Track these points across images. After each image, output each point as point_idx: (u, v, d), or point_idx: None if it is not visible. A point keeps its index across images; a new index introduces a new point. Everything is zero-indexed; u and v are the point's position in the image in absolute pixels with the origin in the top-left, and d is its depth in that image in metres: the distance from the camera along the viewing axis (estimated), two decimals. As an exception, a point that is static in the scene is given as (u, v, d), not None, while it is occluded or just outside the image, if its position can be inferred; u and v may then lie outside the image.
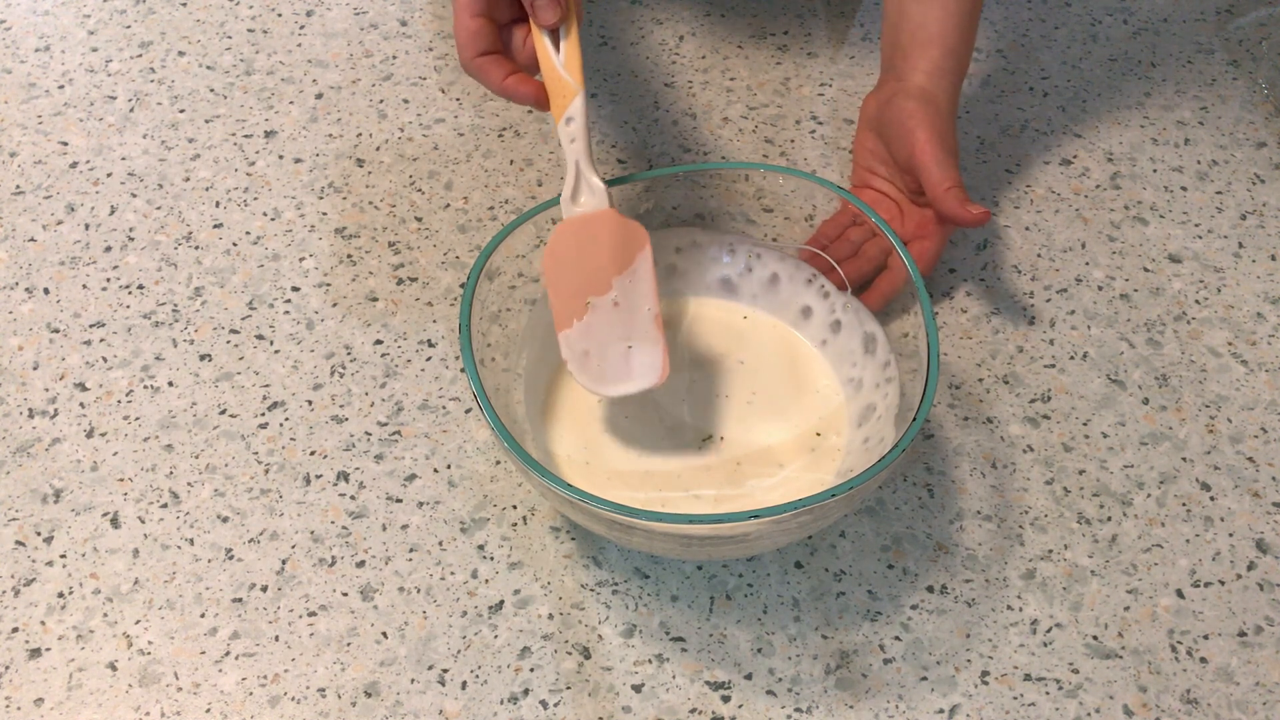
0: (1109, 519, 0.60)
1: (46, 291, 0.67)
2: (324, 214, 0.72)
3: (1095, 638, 0.56)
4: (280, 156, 0.75)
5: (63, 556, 0.57)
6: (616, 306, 0.57)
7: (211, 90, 0.79)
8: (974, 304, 0.69)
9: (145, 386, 0.63)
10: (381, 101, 0.79)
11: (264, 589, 0.56)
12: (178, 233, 0.71)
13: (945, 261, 0.71)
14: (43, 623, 0.55)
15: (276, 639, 0.54)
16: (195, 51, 0.82)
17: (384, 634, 0.55)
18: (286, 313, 0.67)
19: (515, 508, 0.59)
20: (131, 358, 0.65)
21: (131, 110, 0.78)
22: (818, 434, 0.59)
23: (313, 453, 0.61)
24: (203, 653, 0.54)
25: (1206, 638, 0.56)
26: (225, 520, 0.58)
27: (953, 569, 0.58)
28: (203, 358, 0.65)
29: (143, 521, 0.58)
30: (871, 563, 0.58)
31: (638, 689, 0.53)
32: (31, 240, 0.70)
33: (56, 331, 0.66)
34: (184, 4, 0.85)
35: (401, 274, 0.69)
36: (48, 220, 0.71)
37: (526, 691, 0.53)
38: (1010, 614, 0.56)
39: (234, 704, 0.52)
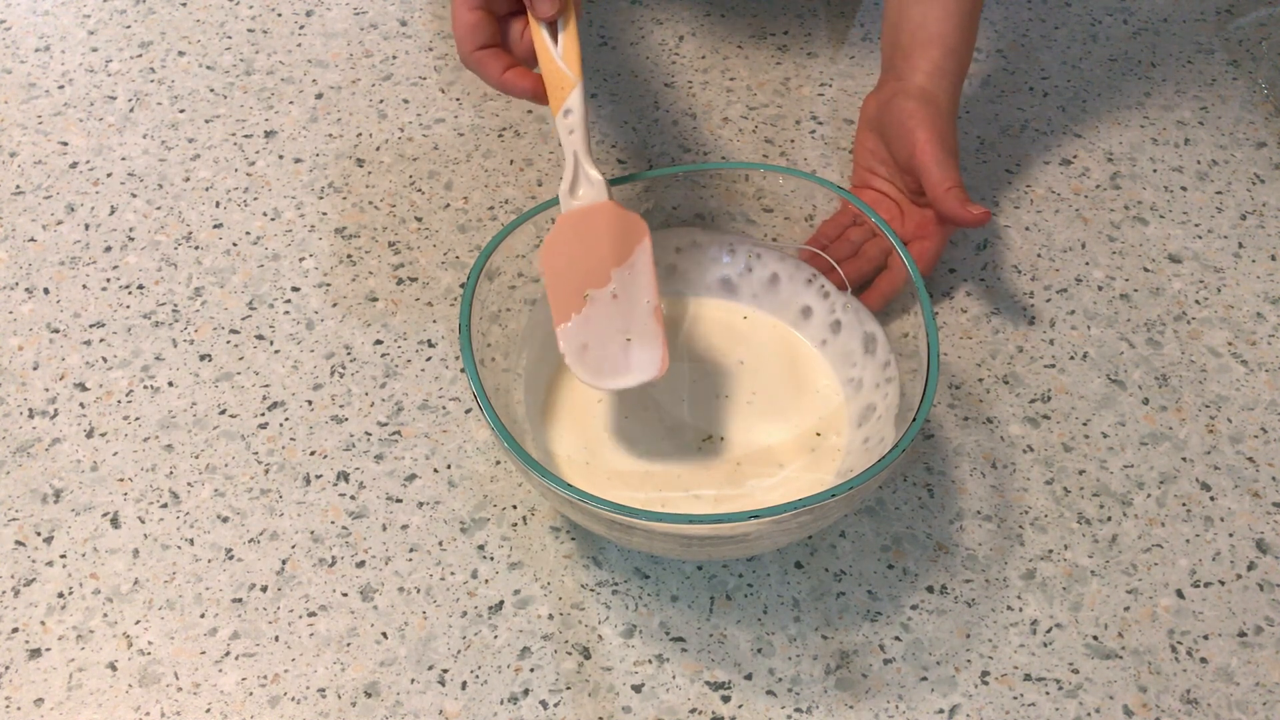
0: (1109, 519, 0.60)
1: (46, 291, 0.67)
2: (324, 214, 0.72)
3: (1095, 638, 0.56)
4: (280, 156, 0.75)
5: (63, 556, 0.57)
6: (615, 299, 0.56)
7: (211, 90, 0.79)
8: (974, 304, 0.69)
9: (145, 386, 0.63)
10: (381, 101, 0.79)
11: (264, 589, 0.56)
12: (178, 233, 0.71)
13: (945, 261, 0.71)
14: (43, 623, 0.55)
15: (276, 639, 0.54)
16: (195, 51, 0.82)
17: (384, 634, 0.55)
18: (286, 313, 0.67)
19: (515, 508, 0.59)
20: (131, 358, 0.65)
21: (131, 110, 0.78)
22: (818, 434, 0.59)
23: (313, 453, 0.61)
24: (203, 653, 0.54)
25: (1206, 638, 0.56)
26: (225, 520, 0.58)
27: (953, 569, 0.58)
28: (203, 358, 0.65)
29: (143, 521, 0.58)
30: (871, 563, 0.58)
31: (638, 689, 0.53)
32: (31, 240, 0.70)
33: (56, 331, 0.66)
34: (184, 4, 0.85)
35: (401, 274, 0.69)
36: (48, 220, 0.71)
37: (526, 691, 0.53)
38: (1010, 614, 0.56)
39: (234, 704, 0.52)
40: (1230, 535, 0.59)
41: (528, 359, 0.60)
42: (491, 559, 0.57)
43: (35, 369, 0.64)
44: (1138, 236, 0.73)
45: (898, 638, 0.55)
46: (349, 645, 0.54)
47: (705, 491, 0.57)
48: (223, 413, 0.62)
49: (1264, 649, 0.56)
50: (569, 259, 0.57)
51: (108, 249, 0.70)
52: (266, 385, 0.64)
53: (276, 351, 0.65)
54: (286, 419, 0.62)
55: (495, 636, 0.55)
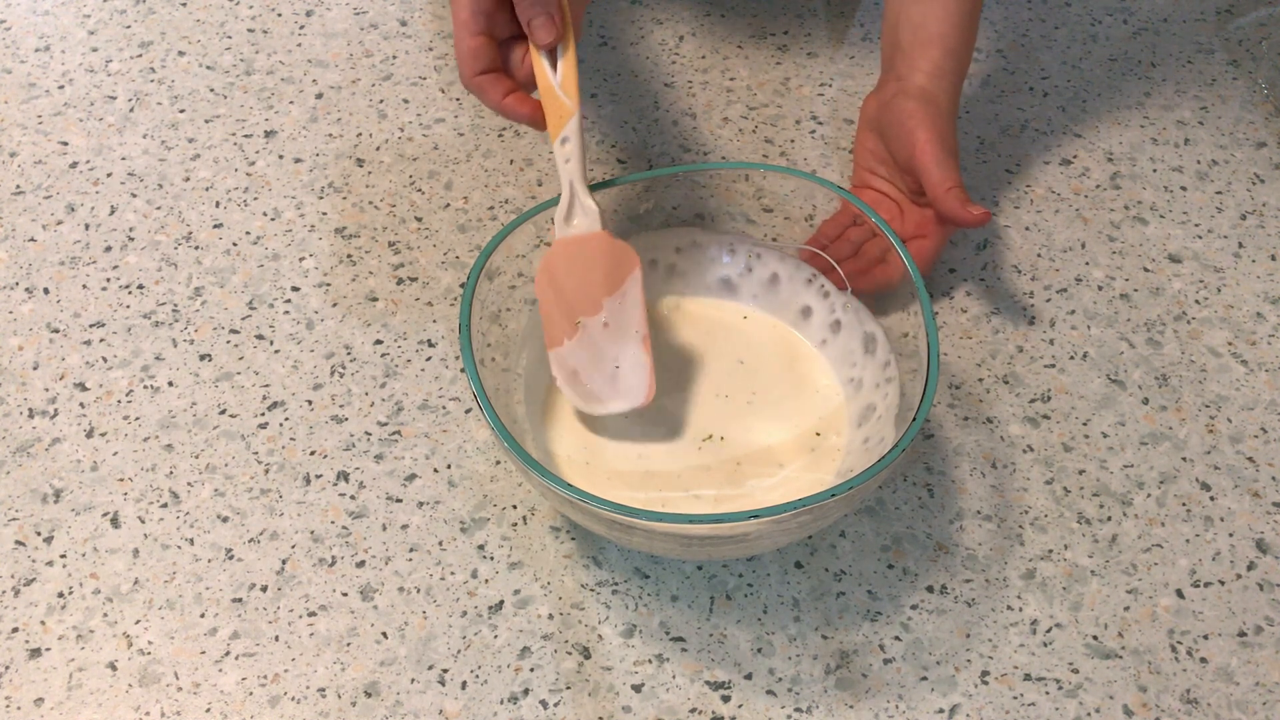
0: (1109, 519, 0.60)
1: (46, 291, 0.67)
2: (324, 214, 0.72)
3: (1095, 638, 0.56)
4: (280, 156, 0.75)
5: (63, 556, 0.57)
6: (606, 328, 0.58)
7: (211, 90, 0.79)
8: (974, 304, 0.69)
9: (145, 386, 0.63)
10: (381, 101, 0.79)
11: (264, 589, 0.56)
12: (178, 233, 0.71)
13: (945, 261, 0.71)
14: (43, 623, 0.55)
15: (276, 639, 0.54)
16: (195, 51, 0.82)
17: (384, 634, 0.55)
18: (286, 313, 0.67)
19: (515, 508, 0.59)
20: (131, 358, 0.65)
21: (131, 110, 0.78)
22: (818, 434, 0.59)
23: (313, 453, 0.61)
24: (203, 653, 0.54)
25: (1206, 638, 0.56)
26: (225, 520, 0.58)
27: (953, 569, 0.58)
28: (203, 358, 0.65)
29: (143, 521, 0.58)
30: (871, 563, 0.58)
31: (638, 689, 0.53)
32: (31, 240, 0.70)
33: (56, 331, 0.66)
34: (184, 4, 0.85)
35: (401, 274, 0.69)
36: (48, 220, 0.71)
37: (526, 691, 0.53)
38: (1010, 614, 0.56)
39: (234, 704, 0.52)
40: (1230, 535, 0.59)
41: (528, 359, 0.60)
42: (491, 559, 0.57)
43: (35, 369, 0.64)
44: (1138, 236, 0.73)
45: (898, 637, 0.55)
46: (349, 645, 0.54)
47: (705, 491, 0.57)
48: (223, 413, 0.62)
49: (1264, 649, 0.56)
50: (563, 286, 0.58)
51: (108, 249, 0.70)
52: (266, 385, 0.64)
53: (276, 351, 0.65)
54: (286, 419, 0.62)
55: (495, 636, 0.55)
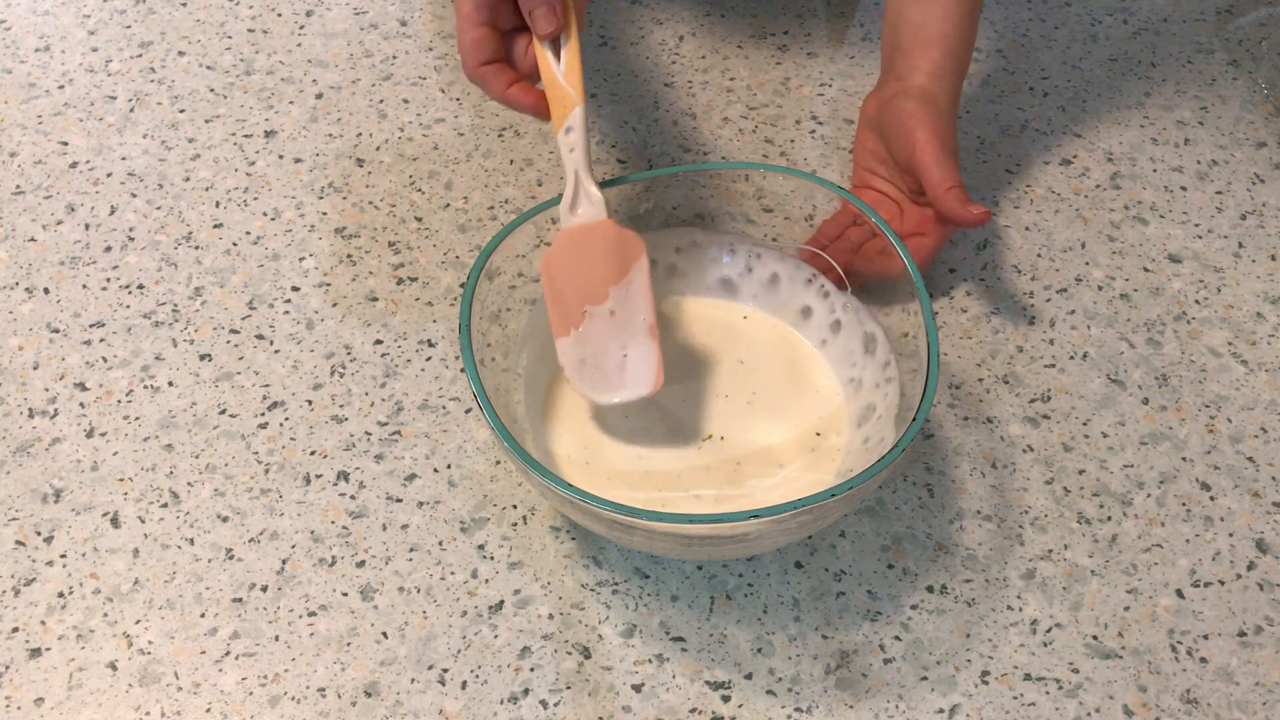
0: (1109, 519, 0.60)
1: (46, 291, 0.67)
2: (324, 214, 0.72)
3: (1095, 638, 0.56)
4: (280, 156, 0.75)
5: (63, 556, 0.57)
6: (613, 316, 0.58)
7: (211, 90, 0.79)
8: (974, 304, 0.69)
9: (145, 386, 0.63)
10: (381, 101, 0.79)
11: (264, 589, 0.56)
12: (178, 233, 0.71)
13: (945, 261, 0.71)
14: (43, 623, 0.55)
15: (276, 639, 0.54)
16: (195, 51, 0.82)
17: (384, 634, 0.55)
18: (286, 313, 0.67)
19: (515, 508, 0.59)
20: (131, 358, 0.65)
21: (131, 110, 0.78)
22: (818, 434, 0.59)
23: (313, 453, 0.61)
24: (203, 653, 0.54)
25: (1206, 638, 0.56)
26: (225, 520, 0.58)
27: (953, 569, 0.58)
28: (203, 358, 0.65)
29: (143, 521, 0.58)
30: (871, 563, 0.58)
31: (638, 689, 0.53)
32: (31, 240, 0.70)
33: (56, 331, 0.66)
34: (184, 4, 0.85)
35: (401, 274, 0.69)
36: (48, 220, 0.71)
37: (526, 691, 0.53)
38: (1010, 614, 0.56)
39: (234, 704, 0.52)
40: (1230, 535, 0.59)
41: (528, 359, 0.60)
42: (491, 559, 0.57)
43: (35, 369, 0.64)
44: (1138, 236, 0.73)
45: (898, 637, 0.55)
46: (349, 645, 0.54)
47: (705, 491, 0.57)
48: (223, 412, 0.62)
49: (1264, 649, 0.56)
50: (568, 275, 0.58)
51: (108, 249, 0.70)
52: (266, 385, 0.64)
53: (276, 351, 0.65)
54: (286, 419, 0.62)
55: (495, 636, 0.55)
